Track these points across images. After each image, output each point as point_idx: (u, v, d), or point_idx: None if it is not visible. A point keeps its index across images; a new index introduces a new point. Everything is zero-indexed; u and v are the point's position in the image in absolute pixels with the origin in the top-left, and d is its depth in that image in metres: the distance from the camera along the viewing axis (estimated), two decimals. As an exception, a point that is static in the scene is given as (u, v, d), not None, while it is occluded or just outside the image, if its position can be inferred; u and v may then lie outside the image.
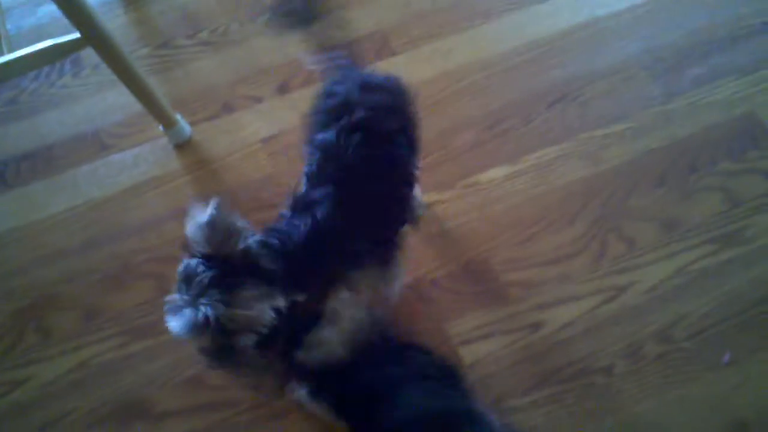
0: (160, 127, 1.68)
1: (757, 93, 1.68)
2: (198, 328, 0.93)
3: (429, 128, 1.63)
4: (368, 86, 1.18)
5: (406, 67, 1.77)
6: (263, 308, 0.98)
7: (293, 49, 1.82)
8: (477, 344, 1.40)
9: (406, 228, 1.25)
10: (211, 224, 0.97)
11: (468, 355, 1.39)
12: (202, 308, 0.93)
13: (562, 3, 1.86)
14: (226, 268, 0.97)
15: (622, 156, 1.62)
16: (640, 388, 1.35)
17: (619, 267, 1.48)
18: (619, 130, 1.65)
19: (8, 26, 1.63)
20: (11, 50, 1.44)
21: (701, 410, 1.33)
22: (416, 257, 1.50)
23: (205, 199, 0.98)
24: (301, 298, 1.04)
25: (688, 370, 1.35)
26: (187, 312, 0.94)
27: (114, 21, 1.91)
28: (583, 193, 1.57)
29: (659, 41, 1.78)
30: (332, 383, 1.09)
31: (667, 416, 1.33)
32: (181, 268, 0.98)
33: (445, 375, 1.11)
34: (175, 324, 0.95)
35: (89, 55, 1.67)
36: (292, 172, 1.63)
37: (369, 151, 1.11)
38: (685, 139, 1.63)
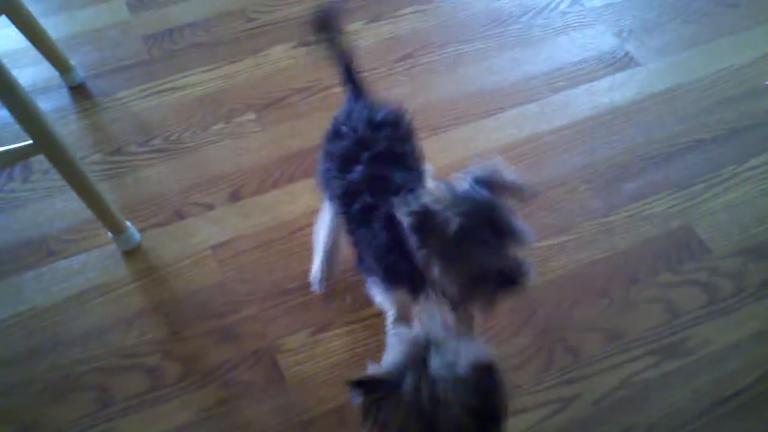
0: (109, 234, 1.67)
1: (691, 207, 1.76)
2: None
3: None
4: (375, 123, 1.32)
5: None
6: None
7: (245, 158, 1.85)
8: (426, 458, 1.38)
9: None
10: None
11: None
12: None
13: (506, 118, 1.94)
14: None
15: (566, 267, 1.66)
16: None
17: (566, 378, 1.49)
18: (562, 241, 1.70)
19: (-42, 132, 1.64)
20: (-38, 157, 1.44)
21: None
22: (365, 367, 1.50)
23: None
24: None
25: (636, 485, 1.36)
26: None
27: (67, 127, 1.93)
28: (528, 304, 1.60)
29: (599, 156, 1.86)
30: None
31: None
32: None
33: None
34: None
35: (39, 160, 1.67)
36: (242, 279, 1.63)
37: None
38: (626, 251, 1.69)
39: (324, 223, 1.51)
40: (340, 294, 1.61)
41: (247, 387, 1.48)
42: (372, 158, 1.27)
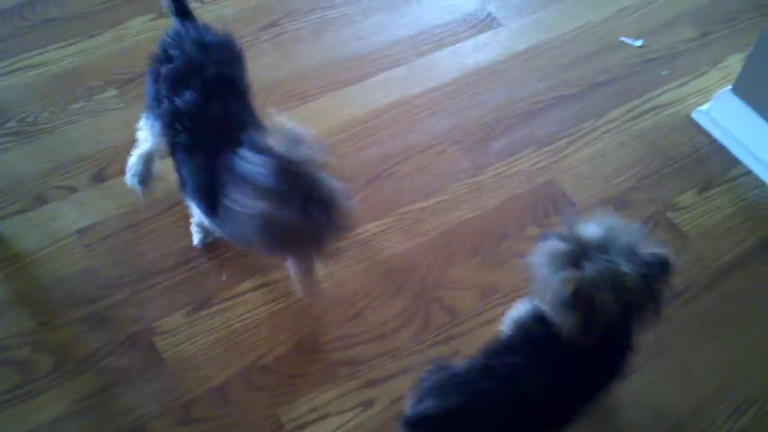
0: (-35, 224, 1.58)
1: (555, 162, 1.83)
2: None
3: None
4: (205, 45, 1.38)
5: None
6: None
7: (109, 137, 1.79)
8: (311, 428, 1.40)
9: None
10: None
11: (303, 439, 1.39)
12: None
13: (374, 83, 1.95)
14: None
15: (438, 228, 1.70)
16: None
17: (444, 336, 1.53)
18: (434, 202, 1.74)
19: None
20: None
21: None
22: (245, 342, 1.49)
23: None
24: None
25: None
26: None
27: None
28: (404, 267, 1.63)
29: (466, 117, 1.90)
30: None
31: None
32: None
33: None
34: None
35: None
36: (112, 263, 1.59)
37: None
38: (496, 208, 1.74)
39: (145, 136, 1.54)
40: (216, 270, 1.59)
41: (124, 373, 1.45)
42: (204, 84, 1.33)
